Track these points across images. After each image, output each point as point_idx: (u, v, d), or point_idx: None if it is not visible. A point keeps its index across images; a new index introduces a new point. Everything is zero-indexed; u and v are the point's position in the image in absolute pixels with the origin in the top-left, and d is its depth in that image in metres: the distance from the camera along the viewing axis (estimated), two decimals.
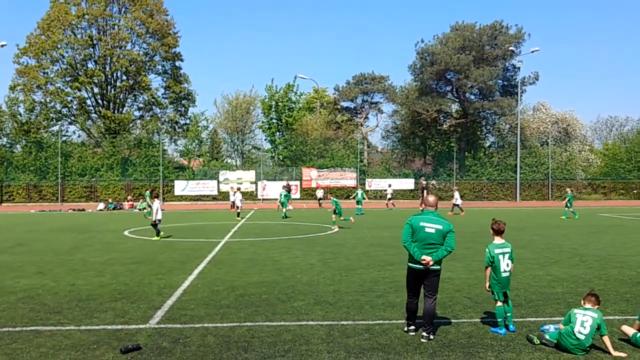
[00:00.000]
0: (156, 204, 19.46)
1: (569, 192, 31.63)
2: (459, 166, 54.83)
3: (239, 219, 29.25)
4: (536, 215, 32.10)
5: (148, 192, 31.13)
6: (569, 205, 30.32)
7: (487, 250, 7.58)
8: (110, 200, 44.84)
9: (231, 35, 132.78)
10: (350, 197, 43.65)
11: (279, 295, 9.79)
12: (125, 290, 10.23)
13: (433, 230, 7.12)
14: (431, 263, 7.08)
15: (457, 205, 32.68)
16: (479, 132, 59.07)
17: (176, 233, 21.59)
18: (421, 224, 7.19)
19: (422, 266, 7.14)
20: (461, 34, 52.13)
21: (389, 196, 39.34)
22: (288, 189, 43.54)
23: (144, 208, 41.27)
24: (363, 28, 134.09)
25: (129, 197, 46.09)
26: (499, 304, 7.49)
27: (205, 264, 13.33)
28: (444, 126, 55.31)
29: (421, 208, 26.78)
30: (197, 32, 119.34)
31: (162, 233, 19.50)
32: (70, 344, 6.97)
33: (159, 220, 19.17)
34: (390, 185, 42.84)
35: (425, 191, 27.88)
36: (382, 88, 57.51)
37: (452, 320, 8.07)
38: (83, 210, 40.70)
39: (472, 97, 55.30)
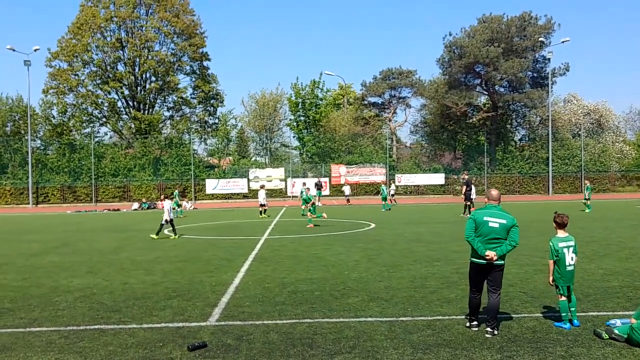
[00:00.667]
0: (167, 204, 19.81)
1: (588, 184, 31.22)
2: (489, 160, 54.24)
3: (264, 216, 29.25)
4: (572, 208, 31.56)
5: (177, 191, 31.53)
6: (587, 197, 30.00)
7: (550, 244, 7.46)
8: (144, 200, 45.41)
9: (256, 34, 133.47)
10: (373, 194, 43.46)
11: (331, 291, 9.79)
12: (178, 289, 10.33)
13: (497, 225, 7.03)
14: (495, 258, 6.99)
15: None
16: (509, 125, 58.38)
17: (214, 231, 21.80)
18: (485, 218, 7.10)
19: (485, 261, 7.06)
20: (489, 26, 51.59)
21: (392, 192, 39.47)
22: (319, 185, 43.65)
23: (175, 207, 41.84)
24: (389, 22, 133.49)
25: (162, 197, 46.53)
26: (563, 298, 7.37)
27: (251, 262, 13.40)
28: (473, 120, 54.73)
29: (467, 203, 26.65)
30: (223, 32, 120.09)
31: (171, 234, 19.66)
32: (136, 342, 7.05)
33: (167, 221, 19.30)
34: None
35: (466, 186, 27.51)
36: (410, 82, 57.19)
37: (512, 315, 7.97)
38: (118, 210, 41.30)
39: (502, 89, 54.68)
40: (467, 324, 7.41)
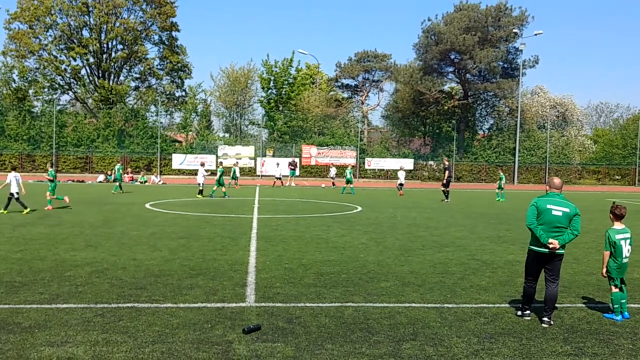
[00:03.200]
0: (11, 176, 18.26)
1: (501, 174, 31.21)
2: (457, 148, 54.85)
3: (199, 196, 26.62)
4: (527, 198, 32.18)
5: (119, 164, 29.89)
6: (500, 186, 29.82)
7: (607, 235, 7.36)
8: (109, 173, 44.00)
9: (229, 9, 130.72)
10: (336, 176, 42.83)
11: (357, 274, 9.53)
12: (195, 266, 9.88)
13: (560, 213, 6.87)
14: (558, 247, 6.84)
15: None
16: (478, 114, 59.11)
17: (199, 208, 21.22)
18: (547, 206, 6.93)
19: (547, 250, 6.90)
20: (466, 14, 51.79)
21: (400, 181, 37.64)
22: (293, 166, 43.23)
23: (146, 181, 40.77)
24: (367, 4, 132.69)
25: (129, 170, 45.26)
26: (616, 290, 7.30)
27: (257, 241, 12.99)
28: (445, 107, 55.13)
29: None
30: (194, 3, 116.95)
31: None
32: (181, 323, 6.63)
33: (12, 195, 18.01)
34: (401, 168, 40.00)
35: (447, 171, 27.50)
36: (385, 66, 57.09)
37: (557, 306, 7.88)
38: (82, 181, 39.87)
39: (474, 78, 55.18)
40: (519, 313, 7.27)
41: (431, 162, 54.89)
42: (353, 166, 41.08)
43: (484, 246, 13.04)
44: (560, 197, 7.01)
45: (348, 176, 33.57)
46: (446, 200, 26.77)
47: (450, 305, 7.73)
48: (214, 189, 27.20)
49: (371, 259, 11.08)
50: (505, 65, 55.79)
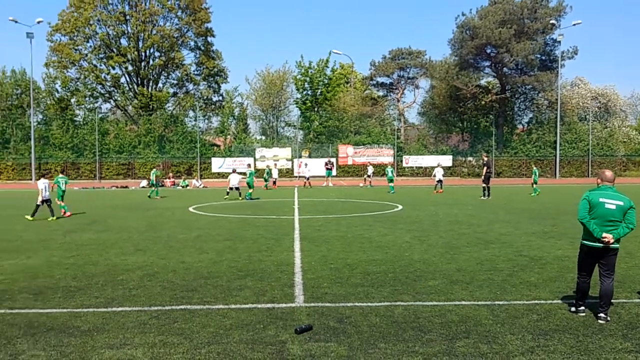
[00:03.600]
0: (41, 183, 18.81)
1: (535, 168, 30.95)
2: (496, 143, 54.04)
3: (227, 197, 27.30)
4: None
5: (155, 170, 29.98)
6: (536, 181, 29.64)
7: None
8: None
9: (263, 12, 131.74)
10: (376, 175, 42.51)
11: (404, 273, 9.49)
12: (243, 268, 10.00)
13: (614, 207, 6.72)
14: (612, 241, 6.70)
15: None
16: (516, 108, 58.13)
17: (240, 210, 21.47)
18: (600, 199, 6.79)
19: (600, 244, 6.76)
20: (501, 7, 50.98)
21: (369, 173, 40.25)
22: (330, 166, 43.30)
23: (187, 185, 41.44)
24: (400, 1, 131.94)
25: (170, 175, 46.11)
26: None
27: (300, 241, 13.08)
28: (483, 102, 54.38)
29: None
30: (228, 8, 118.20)
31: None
32: (234, 324, 6.74)
33: (43, 202, 18.48)
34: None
35: (486, 167, 27.10)
36: (420, 63, 56.65)
37: (613, 301, 7.68)
38: (126, 187, 40.76)
39: (511, 72, 54.28)
40: (573, 309, 7.14)
41: (470, 158, 54.22)
42: (392, 164, 40.67)
43: (530, 242, 12.84)
44: (612, 190, 6.86)
45: (390, 175, 33.43)
46: (483, 197, 26.33)
47: (501, 303, 7.64)
48: (250, 191, 27.29)
49: (416, 257, 11.03)
50: (543, 58, 54.68)
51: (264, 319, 6.92)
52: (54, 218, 18.22)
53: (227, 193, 27.70)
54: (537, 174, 30.13)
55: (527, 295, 8.01)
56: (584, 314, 7.03)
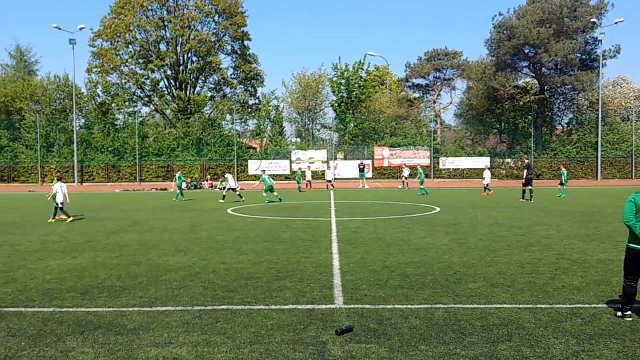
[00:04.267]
0: (57, 186, 19.12)
1: (563, 169, 30.54)
2: (535, 144, 53.09)
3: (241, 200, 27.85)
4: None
5: (179, 173, 30.27)
6: (563, 182, 29.37)
7: None
8: (190, 180, 45.54)
9: (298, 14, 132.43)
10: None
11: (443, 276, 9.44)
12: (282, 269, 10.10)
13: None
14: None
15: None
16: (556, 109, 57.00)
17: (278, 212, 21.63)
18: None
19: None
20: (540, 6, 50.07)
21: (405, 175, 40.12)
22: (362, 168, 43.22)
23: (225, 187, 41.90)
24: (435, 2, 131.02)
25: (208, 177, 46.76)
26: None
27: (338, 243, 13.12)
28: (521, 102, 53.48)
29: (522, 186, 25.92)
30: (264, 11, 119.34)
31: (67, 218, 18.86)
32: (276, 325, 6.83)
33: (61, 205, 18.85)
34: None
35: (527, 169, 26.60)
36: (456, 64, 56.10)
37: None
38: (166, 189, 41.49)
39: (550, 72, 53.26)
40: (620, 314, 6.99)
41: (508, 160, 53.38)
42: (423, 166, 40.12)
43: (572, 245, 12.60)
44: None
45: (422, 177, 33.11)
46: (522, 200, 25.85)
47: (543, 306, 7.55)
48: (273, 194, 27.43)
49: (456, 260, 10.95)
50: (584, 57, 53.40)
51: (304, 320, 6.99)
52: (53, 221, 18.57)
53: (224, 197, 28.07)
54: (566, 175, 29.98)
55: (570, 299, 7.89)
56: (630, 319, 6.89)
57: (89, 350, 5.98)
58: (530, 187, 26.21)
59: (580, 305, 7.57)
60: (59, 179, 19.74)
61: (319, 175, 51.03)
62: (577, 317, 7.03)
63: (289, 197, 30.59)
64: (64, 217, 18.74)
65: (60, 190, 18.95)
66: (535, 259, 10.92)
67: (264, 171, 31.74)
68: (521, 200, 26.03)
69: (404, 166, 45.80)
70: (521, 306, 7.56)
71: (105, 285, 9.01)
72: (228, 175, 29.67)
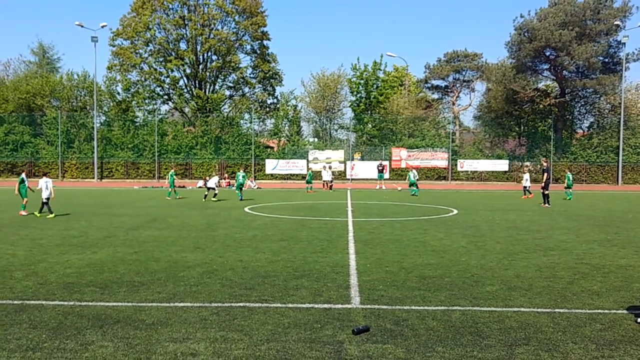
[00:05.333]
0: (42, 182, 19.60)
1: (568, 173, 30.92)
2: (555, 147, 52.56)
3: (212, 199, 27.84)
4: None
5: (172, 171, 30.36)
6: (569, 185, 29.98)
7: None
8: (207, 178, 45.66)
9: (316, 14, 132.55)
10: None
11: (461, 278, 9.40)
12: (298, 268, 10.13)
13: None
14: None
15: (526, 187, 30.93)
16: (576, 112, 56.37)
17: (294, 212, 21.69)
18: None
19: None
20: (562, 8, 49.51)
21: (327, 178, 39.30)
22: (381, 168, 43.15)
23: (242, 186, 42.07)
24: (455, 3, 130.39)
25: (225, 175, 46.98)
26: None
27: (354, 243, 13.12)
28: (540, 105, 52.96)
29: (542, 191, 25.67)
30: (282, 11, 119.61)
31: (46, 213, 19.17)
32: (292, 323, 6.85)
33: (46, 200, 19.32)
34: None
35: (546, 173, 26.27)
36: (475, 66, 55.71)
37: None
38: (183, 187, 41.75)
39: (571, 75, 52.66)
40: (639, 320, 6.92)
41: (527, 163, 52.88)
42: (415, 168, 40.09)
43: (592, 250, 12.47)
44: None
45: (412, 179, 33.26)
46: (546, 205, 25.49)
47: (561, 310, 7.49)
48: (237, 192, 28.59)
49: (473, 262, 10.90)
50: (606, 60, 52.72)
51: (321, 319, 7.01)
52: (39, 214, 19.03)
53: (205, 196, 28.36)
54: (571, 178, 30.54)
55: (589, 304, 7.82)
56: None
57: (108, 344, 6.06)
58: (547, 192, 25.87)
59: (599, 311, 7.49)
60: (45, 174, 20.51)
61: (335, 175, 51.05)
62: (596, 322, 6.97)
63: (306, 198, 30.68)
64: (48, 212, 19.11)
65: (44, 185, 19.39)
66: (553, 263, 10.83)
67: (244, 169, 32.96)
68: (545, 205, 25.37)
69: (410, 168, 45.70)
70: (539, 310, 7.51)
71: (124, 280, 9.11)
72: (214, 177, 30.03)
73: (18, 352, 5.81)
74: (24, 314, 7.17)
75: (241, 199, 27.63)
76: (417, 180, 34.50)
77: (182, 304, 7.66)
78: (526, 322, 6.93)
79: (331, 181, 39.66)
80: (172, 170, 30.54)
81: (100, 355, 5.74)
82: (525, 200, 28.90)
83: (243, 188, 28.89)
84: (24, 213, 19.39)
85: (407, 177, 34.18)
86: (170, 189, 29.44)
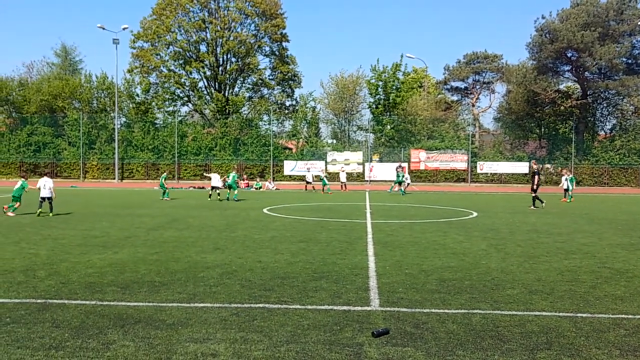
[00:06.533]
0: (42, 182, 20.00)
1: (571, 176, 31.07)
2: (576, 150, 51.95)
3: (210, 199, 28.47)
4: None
5: (165, 174, 30.69)
6: (570, 187, 30.18)
7: None
8: (226, 179, 45.93)
9: (336, 15, 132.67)
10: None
11: (481, 281, 9.33)
12: (317, 270, 10.13)
13: None
14: None
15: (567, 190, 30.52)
16: (599, 114, 55.67)
17: (313, 213, 21.71)
18: None
19: None
20: (584, 8, 48.97)
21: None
22: (401, 170, 42.93)
23: (261, 187, 42.32)
24: (475, 4, 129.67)
25: (244, 176, 47.22)
26: None
27: (373, 246, 13.09)
28: (561, 107, 52.41)
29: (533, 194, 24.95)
30: (301, 12, 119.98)
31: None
32: (312, 324, 6.85)
33: (44, 199, 19.70)
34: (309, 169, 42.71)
35: (536, 176, 25.10)
36: (496, 67, 55.29)
37: None
38: (203, 188, 42.04)
39: (594, 76, 52.02)
40: None
41: (548, 165, 52.36)
42: (403, 168, 40.45)
43: (615, 254, 12.30)
44: None
45: (400, 178, 33.95)
46: (532, 207, 24.55)
47: (584, 315, 7.39)
48: (228, 191, 29.20)
49: (493, 265, 10.81)
50: (630, 61, 52.03)
51: (340, 321, 7.00)
52: (44, 214, 19.35)
53: (210, 195, 29.25)
54: (573, 180, 31.03)
55: (612, 309, 7.70)
56: None
57: (129, 344, 6.11)
58: (536, 194, 24.89)
59: (623, 316, 7.38)
60: (45, 174, 21.00)
61: (354, 177, 51.05)
62: (620, 328, 6.86)
63: (323, 199, 30.69)
64: (49, 210, 19.49)
65: (43, 185, 19.79)
66: (575, 267, 10.70)
67: (235, 169, 33.43)
68: (532, 207, 24.62)
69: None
70: (561, 314, 7.41)
71: (144, 280, 9.18)
72: (214, 175, 30.62)
73: (41, 350, 5.89)
74: (47, 313, 7.26)
75: (234, 200, 27.97)
76: (406, 180, 35.42)
77: (202, 305, 7.70)
78: (548, 327, 6.85)
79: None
80: (165, 174, 31.85)
81: (121, 354, 5.79)
82: (560, 203, 28.30)
83: (261, 189, 29.20)
84: (10, 214, 19.48)
85: (398, 176, 35.19)
86: (162, 190, 29.78)
